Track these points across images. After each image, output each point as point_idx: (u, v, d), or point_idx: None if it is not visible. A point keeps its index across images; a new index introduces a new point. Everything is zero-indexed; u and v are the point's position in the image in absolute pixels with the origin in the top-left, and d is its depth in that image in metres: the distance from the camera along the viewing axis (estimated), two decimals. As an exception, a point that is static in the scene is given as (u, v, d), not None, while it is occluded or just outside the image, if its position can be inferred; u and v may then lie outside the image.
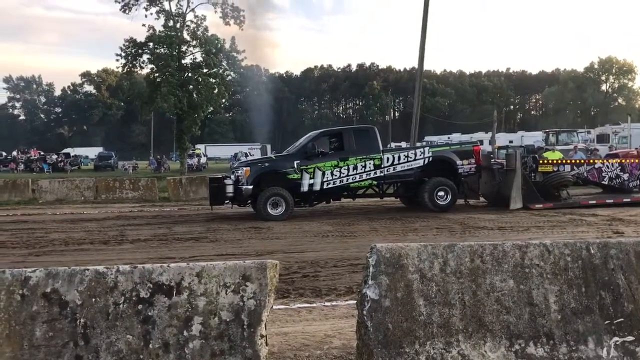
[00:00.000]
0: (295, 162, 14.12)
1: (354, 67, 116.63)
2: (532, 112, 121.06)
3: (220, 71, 40.59)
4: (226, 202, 14.39)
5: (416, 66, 30.42)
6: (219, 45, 39.79)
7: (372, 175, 14.37)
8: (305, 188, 14.07)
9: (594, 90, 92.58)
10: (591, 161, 16.65)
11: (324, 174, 14.09)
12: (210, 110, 43.86)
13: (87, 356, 2.79)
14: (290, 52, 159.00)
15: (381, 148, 14.79)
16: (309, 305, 6.19)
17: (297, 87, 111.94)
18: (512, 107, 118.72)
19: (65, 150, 67.32)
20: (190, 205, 18.44)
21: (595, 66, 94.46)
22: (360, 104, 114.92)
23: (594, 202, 15.14)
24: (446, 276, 3.42)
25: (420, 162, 14.63)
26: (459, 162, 14.76)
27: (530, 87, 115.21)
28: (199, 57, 40.14)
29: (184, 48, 39.85)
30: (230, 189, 14.00)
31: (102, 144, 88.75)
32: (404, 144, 47.16)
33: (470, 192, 15.67)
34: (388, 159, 14.51)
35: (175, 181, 21.65)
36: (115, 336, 2.82)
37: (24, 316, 2.84)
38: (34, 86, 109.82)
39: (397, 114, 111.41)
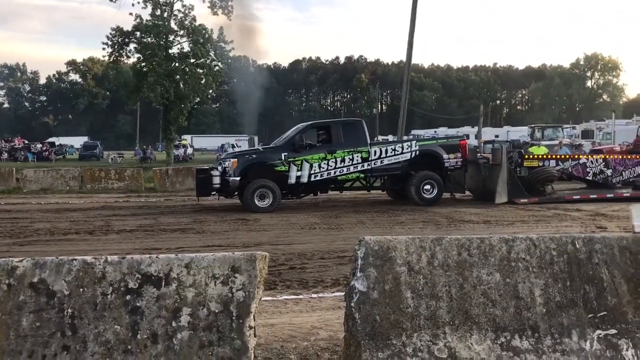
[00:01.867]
0: (282, 154, 14.10)
1: (342, 60, 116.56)
2: (518, 107, 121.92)
3: (208, 61, 40.28)
4: (213, 193, 14.35)
5: (404, 59, 30.47)
6: (207, 35, 39.46)
7: (359, 168, 14.40)
8: (292, 180, 14.07)
9: (580, 86, 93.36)
10: (576, 157, 16.82)
11: (311, 166, 14.08)
12: (197, 101, 43.50)
13: (74, 346, 2.78)
14: (278, 44, 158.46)
15: (369, 141, 14.82)
16: (295, 297, 6.22)
17: (285, 79, 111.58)
18: (498, 101, 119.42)
19: (50, 140, 66.57)
20: (177, 196, 18.36)
21: (581, 62, 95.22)
22: (348, 96, 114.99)
23: (578, 197, 15.30)
24: (434, 269, 3.45)
25: (408, 156, 14.68)
26: (445, 156, 14.82)
27: (516, 82, 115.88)
28: (186, 47, 39.80)
29: (171, 37, 39.48)
30: (217, 180, 13.95)
31: (88, 134, 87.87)
32: (391, 137, 47.29)
33: (457, 186, 15.77)
34: (375, 152, 14.54)
35: (162, 172, 21.52)
36: (103, 326, 2.81)
37: (11, 306, 2.82)
38: (19, 74, 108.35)
39: (384, 107, 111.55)
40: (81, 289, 2.86)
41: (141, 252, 8.36)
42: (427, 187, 14.51)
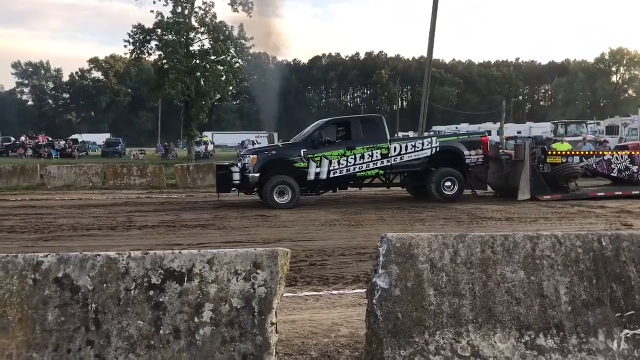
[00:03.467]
0: (302, 151, 14.10)
1: (362, 56, 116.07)
2: (542, 103, 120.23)
3: (229, 59, 40.46)
4: (233, 189, 14.38)
5: (425, 55, 30.25)
6: (227, 32, 39.64)
7: (379, 165, 14.34)
8: (312, 177, 14.07)
9: (605, 82, 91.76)
10: (600, 153, 16.55)
11: (330, 163, 14.06)
12: (217, 98, 43.75)
13: (98, 341, 2.81)
14: (298, 40, 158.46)
15: (389, 137, 14.75)
16: (316, 293, 6.21)
17: (305, 76, 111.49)
18: (521, 97, 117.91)
19: (74, 137, 67.49)
20: (198, 192, 18.49)
21: (606, 57, 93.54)
22: (368, 93, 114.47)
23: (603, 194, 15.06)
24: (457, 266, 3.41)
25: (428, 152, 14.57)
26: (466, 152, 14.69)
27: (539, 78, 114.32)
28: (207, 44, 40.05)
29: (192, 35, 39.76)
30: (237, 177, 14.00)
31: (110, 131, 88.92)
32: (411, 134, 47.03)
33: (479, 183, 15.61)
34: (395, 148, 14.47)
35: (183, 168, 21.70)
36: (127, 322, 2.84)
37: (36, 301, 2.85)
38: (43, 72, 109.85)
39: (405, 103, 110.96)
40: (105, 285, 2.89)
41: (163, 248, 8.42)
42: (448, 184, 14.39)
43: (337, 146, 14.29)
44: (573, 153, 16.01)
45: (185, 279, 2.91)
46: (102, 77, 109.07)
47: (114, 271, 2.91)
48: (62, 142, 56.67)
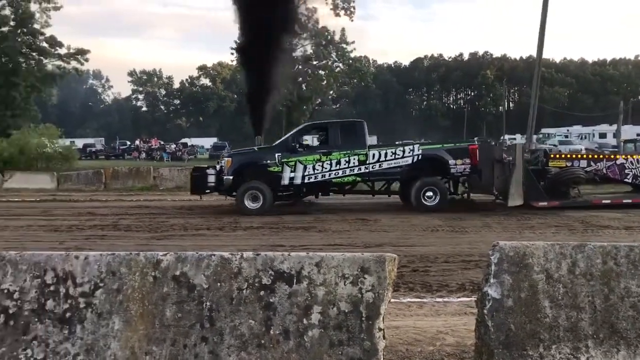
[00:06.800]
0: (277, 155, 13.91)
1: (466, 56, 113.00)
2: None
3: (329, 63, 41.01)
4: (207, 191, 14.54)
5: (533, 54, 28.92)
6: (329, 37, 40.18)
7: (355, 172, 13.88)
8: (285, 181, 13.85)
9: None
10: (612, 157, 15.02)
11: (305, 167, 13.75)
12: (317, 102, 44.46)
13: (212, 338, 2.92)
14: (398, 42, 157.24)
15: (367, 143, 14.24)
16: (419, 300, 6.12)
17: (406, 78, 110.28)
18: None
19: (183, 140, 71.14)
20: (299, 195, 18.79)
21: None
22: (472, 94, 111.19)
23: (609, 201, 13.71)
24: (575, 278, 3.22)
25: (409, 160, 13.91)
26: (451, 161, 13.87)
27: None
28: (309, 50, 40.83)
29: (294, 41, 40.67)
30: (212, 179, 14.13)
31: (217, 135, 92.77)
32: (519, 137, 45.12)
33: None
34: (374, 155, 13.89)
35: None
36: (239, 320, 2.93)
37: (156, 297, 3.02)
38: (155, 79, 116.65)
39: (511, 104, 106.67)
40: (219, 284, 3.00)
41: (267, 248, 8.66)
42: (429, 193, 13.66)
43: (313, 151, 14.13)
44: (579, 156, 14.68)
45: (294, 281, 2.97)
46: (209, 84, 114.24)
47: (227, 271, 3.02)
48: (173, 146, 59.98)
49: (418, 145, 14.68)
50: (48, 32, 44.52)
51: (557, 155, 14.66)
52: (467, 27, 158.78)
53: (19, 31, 43.42)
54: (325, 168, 13.80)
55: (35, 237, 10.55)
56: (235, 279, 2.99)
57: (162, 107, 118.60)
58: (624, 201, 13.79)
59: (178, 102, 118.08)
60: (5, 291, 3.08)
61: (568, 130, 50.42)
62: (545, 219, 12.08)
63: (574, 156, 14.77)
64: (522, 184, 13.42)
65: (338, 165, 13.81)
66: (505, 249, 3.24)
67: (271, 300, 2.94)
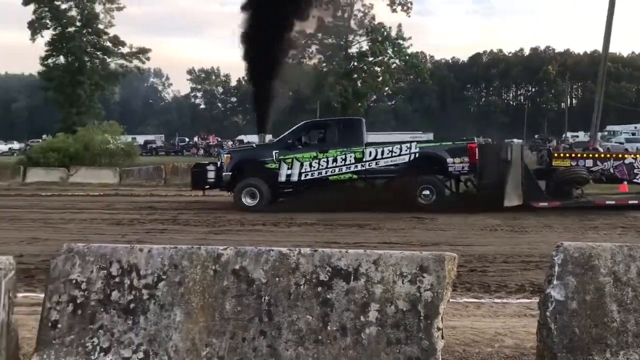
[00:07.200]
0: (274, 152, 14.00)
1: (526, 51, 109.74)
2: None
3: (386, 59, 40.77)
4: (207, 187, 14.81)
5: (599, 49, 27.83)
6: (385, 33, 39.94)
7: (352, 169, 13.78)
8: (282, 178, 13.91)
9: None
10: (620, 156, 14.31)
11: (302, 165, 13.77)
12: (373, 99, 44.34)
13: (270, 332, 2.96)
14: (456, 38, 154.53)
15: (365, 141, 14.10)
16: (476, 300, 6.01)
17: (464, 74, 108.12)
18: None
19: (240, 137, 72.31)
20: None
21: None
22: (533, 90, 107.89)
23: (613, 202, 13.15)
24: (645, 281, 3.08)
25: (406, 158, 13.70)
26: (449, 159, 13.56)
27: None
28: (364, 46, 40.71)
29: (350, 37, 40.66)
30: (211, 175, 14.37)
31: (272, 132, 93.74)
32: (582, 134, 43.56)
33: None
34: (370, 153, 13.74)
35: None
36: (296, 315, 2.95)
37: (216, 290, 3.08)
38: (213, 77, 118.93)
39: (574, 101, 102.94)
40: (277, 278, 3.03)
41: (321, 245, 8.68)
42: (426, 192, 13.39)
43: (310, 148, 14.01)
44: (585, 155, 14.16)
45: (352, 278, 2.96)
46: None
47: (285, 266, 3.05)
48: (230, 143, 61.05)
49: (416, 143, 14.59)
50: (111, 31, 46.21)
51: (561, 155, 14.16)
52: (528, 21, 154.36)
53: (84, 31, 45.24)
54: (322, 165, 13.91)
55: (99, 230, 10.98)
56: (293, 274, 3.02)
57: (219, 104, 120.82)
58: (630, 202, 13.35)
59: (235, 99, 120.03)
60: (74, 281, 3.21)
61: (636, 128, 48.18)
62: (610, 219, 11.62)
63: (579, 155, 14.24)
64: (521, 183, 13.14)
65: (335, 163, 13.91)
66: (570, 249, 3.13)
67: (328, 296, 2.95)
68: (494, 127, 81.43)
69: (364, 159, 13.86)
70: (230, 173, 14.17)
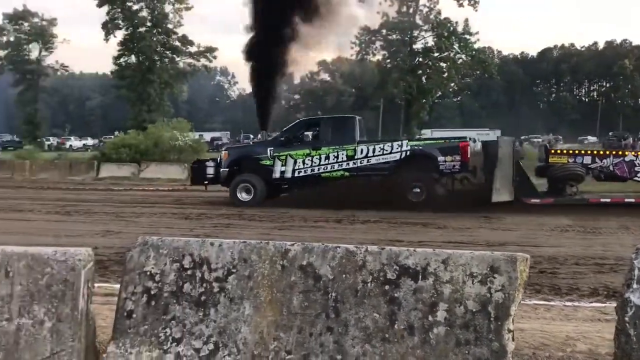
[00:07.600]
0: (269, 149, 14.26)
1: (601, 45, 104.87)
2: None
3: (452, 54, 40.06)
4: (205, 182, 15.02)
5: (681, 41, 26.22)
6: (451, 28, 39.22)
7: (344, 167, 13.87)
8: (277, 175, 14.19)
9: None
10: (620, 153, 13.41)
11: (295, 162, 13.99)
12: (438, 95, 43.68)
13: (337, 328, 2.98)
14: (526, 32, 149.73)
15: (357, 139, 14.03)
16: (546, 303, 5.84)
17: (533, 69, 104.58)
18: None
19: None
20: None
21: None
22: (607, 85, 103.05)
23: (608, 200, 12.56)
24: None
25: (397, 156, 13.67)
26: (440, 158, 13.38)
27: None
28: (430, 42, 40.13)
29: (415, 33, 40.19)
30: (210, 171, 14.70)
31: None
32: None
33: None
34: (362, 150, 13.76)
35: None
36: (363, 313, 2.96)
37: (284, 285, 3.13)
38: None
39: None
40: (344, 275, 3.05)
41: (385, 243, 8.66)
42: (416, 190, 13.28)
43: (303, 145, 14.09)
44: (583, 152, 13.37)
45: (420, 277, 2.94)
46: (328, 78, 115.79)
47: (352, 263, 3.05)
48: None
49: (407, 141, 14.68)
50: (180, 31, 47.62)
51: (558, 151, 13.51)
52: (602, 14, 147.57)
53: (154, 31, 46.83)
54: (315, 162, 14.15)
55: (168, 224, 11.38)
56: (360, 271, 3.02)
57: (283, 102, 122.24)
58: (626, 200, 12.78)
59: (298, 97, 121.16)
60: (148, 273, 3.33)
61: None
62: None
63: (576, 152, 13.51)
64: (511, 179, 12.78)
65: (327, 160, 14.10)
66: (651, 252, 2.99)
67: (396, 295, 2.94)
68: (564, 124, 78.50)
69: (355, 157, 14.10)
70: (227, 169, 14.68)
